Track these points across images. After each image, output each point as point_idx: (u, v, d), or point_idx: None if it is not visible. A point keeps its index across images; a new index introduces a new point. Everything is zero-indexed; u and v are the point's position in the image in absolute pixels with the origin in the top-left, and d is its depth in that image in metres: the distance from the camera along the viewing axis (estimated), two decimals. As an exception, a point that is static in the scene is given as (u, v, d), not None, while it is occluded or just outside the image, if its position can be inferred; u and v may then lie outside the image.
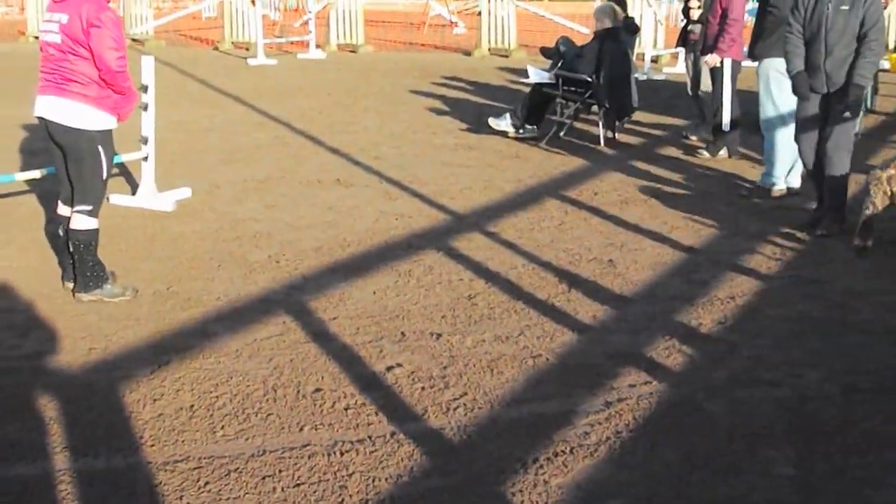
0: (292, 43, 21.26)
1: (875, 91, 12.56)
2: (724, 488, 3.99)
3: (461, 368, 5.12)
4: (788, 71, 7.39)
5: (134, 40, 21.73)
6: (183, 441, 4.34)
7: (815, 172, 7.59)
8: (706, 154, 10.17)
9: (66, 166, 5.98)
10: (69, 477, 4.03)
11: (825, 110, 7.39)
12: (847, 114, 7.31)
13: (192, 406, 4.66)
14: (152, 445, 4.29)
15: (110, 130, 6.00)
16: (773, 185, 8.56)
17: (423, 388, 4.88)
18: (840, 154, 7.33)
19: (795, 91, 7.40)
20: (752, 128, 10.00)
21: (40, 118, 5.98)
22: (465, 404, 4.71)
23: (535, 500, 3.91)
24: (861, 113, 10.96)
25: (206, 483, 4.00)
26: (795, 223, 7.62)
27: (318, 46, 20.39)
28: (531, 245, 7.20)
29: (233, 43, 21.77)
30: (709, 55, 9.95)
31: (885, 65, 15.76)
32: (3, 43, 22.80)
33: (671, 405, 4.71)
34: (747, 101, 10.58)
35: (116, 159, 7.80)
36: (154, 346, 5.35)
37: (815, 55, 7.22)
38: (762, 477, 4.06)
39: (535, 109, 11.05)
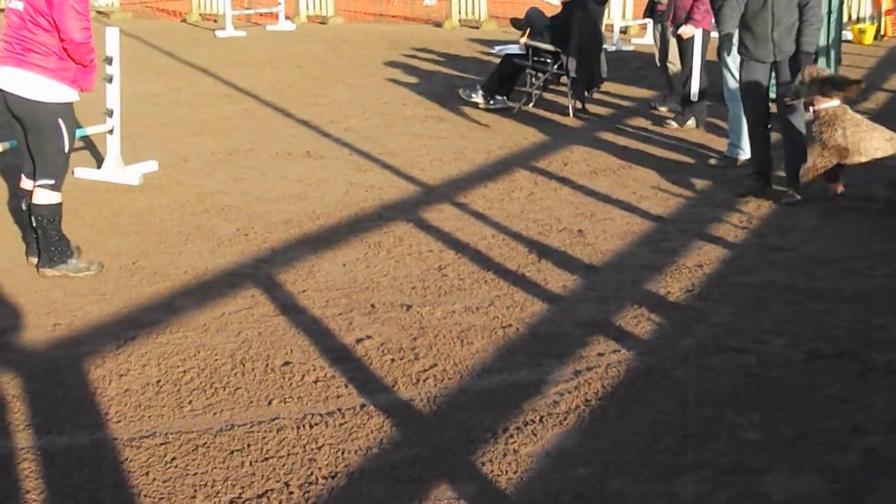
0: (261, 14, 21.06)
1: (838, 62, 12.57)
2: (692, 454, 4.00)
3: (431, 339, 5.10)
4: (720, 31, 7.48)
5: (99, 13, 21.48)
6: (149, 417, 4.30)
7: (762, 138, 7.67)
8: (674, 124, 10.18)
9: (27, 140, 5.89)
10: (32, 455, 3.98)
11: (775, 78, 7.57)
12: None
13: (158, 381, 4.62)
14: (118, 421, 4.26)
15: (70, 103, 5.89)
16: (739, 155, 8.57)
17: (392, 360, 4.87)
18: (798, 119, 7.44)
19: (722, 48, 7.60)
20: (719, 98, 9.99)
21: None
22: (434, 375, 4.70)
23: (505, 469, 3.90)
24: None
25: (173, 458, 3.97)
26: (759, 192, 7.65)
27: (287, 18, 20.21)
28: (501, 216, 7.19)
29: (201, 14, 21.54)
30: (684, 27, 9.92)
31: (849, 36, 15.84)
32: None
33: (639, 373, 4.72)
34: (715, 72, 10.56)
35: (81, 132, 7.74)
36: (120, 322, 5.30)
37: (763, 25, 7.33)
38: (728, 442, 4.08)
39: (504, 80, 11.01)
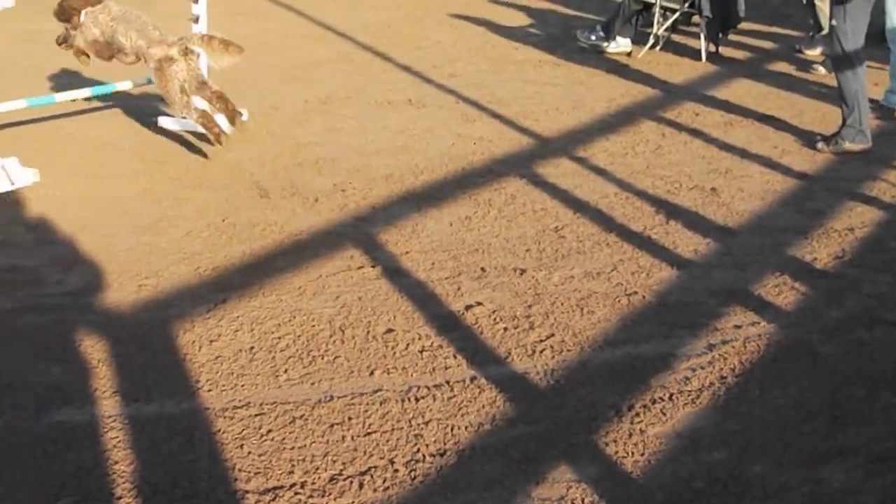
0: (356, -51, 21.14)
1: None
2: (841, 438, 3.97)
3: (548, 307, 5.13)
4: None
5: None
6: (243, 385, 4.41)
7: None
8: (822, 70, 9.97)
9: None
10: (119, 423, 4.11)
11: None
12: None
13: (251, 348, 4.73)
14: (209, 390, 4.38)
15: None
16: (900, 103, 8.40)
17: (505, 329, 4.90)
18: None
19: None
20: (877, 39, 9.77)
21: None
22: (552, 346, 4.73)
23: (631, 451, 3.92)
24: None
25: (269, 430, 4.08)
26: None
27: (384, -47, 20.27)
28: (624, 171, 7.16)
29: (290, -50, 21.72)
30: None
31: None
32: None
33: (782, 348, 4.69)
34: (876, 8, 10.32)
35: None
36: (209, 283, 5.42)
37: None
38: (883, 426, 4.04)
39: (628, 21, 10.90)
